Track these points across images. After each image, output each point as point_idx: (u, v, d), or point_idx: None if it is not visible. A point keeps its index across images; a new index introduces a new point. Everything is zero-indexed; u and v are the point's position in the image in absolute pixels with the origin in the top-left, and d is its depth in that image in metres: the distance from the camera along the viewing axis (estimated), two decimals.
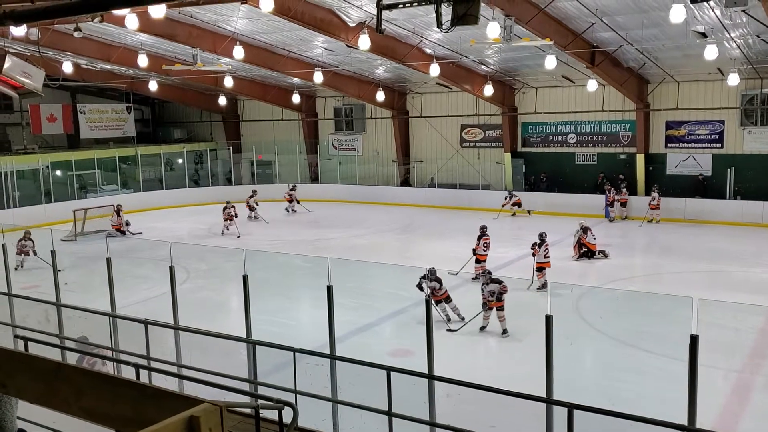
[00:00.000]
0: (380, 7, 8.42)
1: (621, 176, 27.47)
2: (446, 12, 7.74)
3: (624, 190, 26.75)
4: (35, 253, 19.39)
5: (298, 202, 30.23)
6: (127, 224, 25.62)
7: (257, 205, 28.44)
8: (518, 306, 15.59)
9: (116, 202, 26.92)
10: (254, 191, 29.08)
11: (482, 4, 13.87)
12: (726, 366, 11.67)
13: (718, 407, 10.06)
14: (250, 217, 28.20)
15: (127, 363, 8.40)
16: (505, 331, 13.26)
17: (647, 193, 26.95)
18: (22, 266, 19.10)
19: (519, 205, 27.78)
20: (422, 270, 13.58)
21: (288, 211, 30.09)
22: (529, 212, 27.44)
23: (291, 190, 30.77)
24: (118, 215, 25.63)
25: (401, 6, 8.54)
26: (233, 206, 25.43)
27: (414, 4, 8.30)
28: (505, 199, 27.83)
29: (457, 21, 7.42)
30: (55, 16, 9.70)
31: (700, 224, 24.73)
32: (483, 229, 17.95)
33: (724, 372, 11.47)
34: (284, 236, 24.82)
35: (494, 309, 13.47)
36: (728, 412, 10.28)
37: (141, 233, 25.42)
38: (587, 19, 19.37)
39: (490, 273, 13.89)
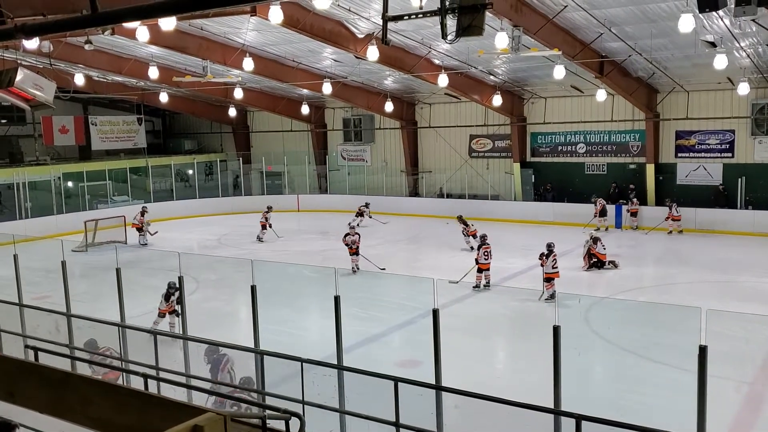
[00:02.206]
0: (386, 19, 8.46)
1: (632, 186, 27.40)
2: (451, 23, 7.77)
3: (635, 200, 26.65)
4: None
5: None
6: (148, 224, 25.97)
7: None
8: (526, 317, 15.58)
9: (126, 213, 27.11)
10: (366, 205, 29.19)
11: (490, 15, 13.94)
12: (737, 377, 11.59)
13: (729, 419, 9.98)
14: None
15: (136, 373, 8.44)
16: None
17: (657, 203, 26.87)
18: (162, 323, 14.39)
19: (370, 215, 29.12)
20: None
21: (260, 240, 26.11)
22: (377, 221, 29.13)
23: (267, 212, 26.68)
24: (141, 215, 25.90)
25: (406, 18, 8.57)
26: (357, 234, 20.58)
27: (419, 16, 8.33)
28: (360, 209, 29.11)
29: (462, 32, 7.43)
30: (66, 29, 9.80)
31: (711, 234, 24.60)
32: (483, 238, 18.03)
33: (736, 383, 11.39)
34: (293, 247, 24.86)
35: None
36: (739, 424, 10.20)
37: (157, 231, 25.99)
38: (596, 29, 19.39)
39: None
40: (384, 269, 19.75)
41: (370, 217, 29.02)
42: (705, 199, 26.03)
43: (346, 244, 20.32)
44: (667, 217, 25.15)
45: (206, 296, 17.70)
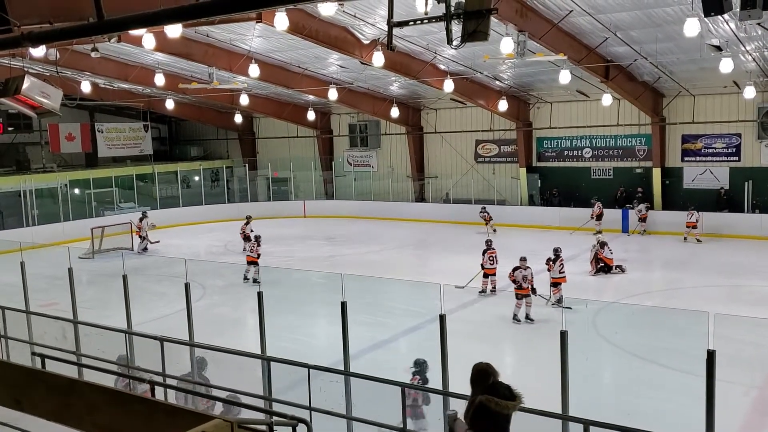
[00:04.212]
0: (391, 25, 8.48)
1: (640, 189, 27.32)
2: (457, 29, 7.78)
3: (641, 205, 26.29)
4: None
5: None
6: (144, 238, 25.87)
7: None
8: (533, 321, 15.52)
9: (133, 220, 27.15)
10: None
11: (495, 20, 13.94)
12: (746, 382, 11.52)
13: (738, 424, 9.92)
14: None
15: (143, 380, 8.44)
16: None
17: (664, 207, 26.77)
18: None
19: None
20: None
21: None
22: None
23: (247, 223, 25.22)
24: (140, 221, 25.87)
25: (411, 23, 8.58)
26: (530, 268, 15.60)
27: (424, 22, 8.34)
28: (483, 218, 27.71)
29: (467, 38, 7.44)
30: (72, 36, 9.84)
31: (718, 238, 24.47)
32: (488, 243, 18.05)
33: (745, 388, 11.32)
34: (299, 253, 24.86)
35: None
36: (748, 429, 10.14)
37: (158, 241, 25.87)
38: (601, 33, 19.37)
39: None
40: (569, 308, 14.89)
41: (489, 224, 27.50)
42: (712, 203, 25.88)
43: (514, 281, 15.41)
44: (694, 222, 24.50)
45: (213, 302, 17.71)
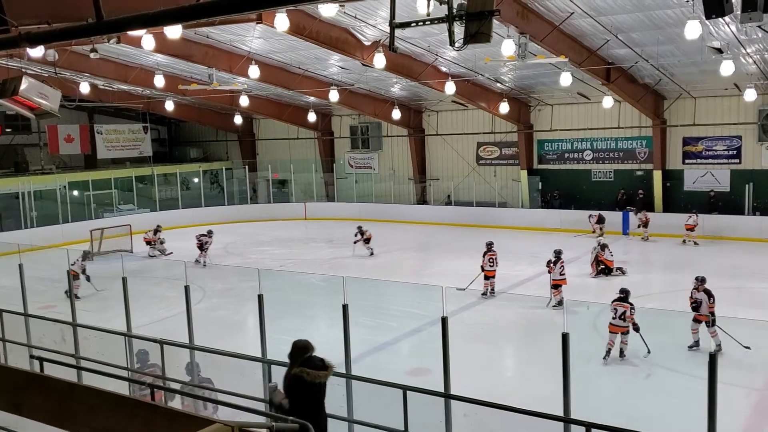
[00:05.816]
0: (393, 26, 8.44)
1: (641, 192, 27.26)
2: (459, 30, 7.74)
3: (641, 212, 26.09)
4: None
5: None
6: (162, 242, 25.68)
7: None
8: (535, 324, 15.50)
9: (132, 221, 27.13)
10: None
11: (496, 22, 13.92)
12: (747, 384, 11.49)
13: (739, 426, 9.89)
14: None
15: (142, 383, 8.41)
16: None
17: (665, 209, 26.73)
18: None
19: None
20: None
21: (198, 262, 23.01)
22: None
23: (206, 235, 23.91)
24: (155, 234, 25.74)
25: (414, 25, 8.54)
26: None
27: (426, 23, 8.30)
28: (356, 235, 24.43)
29: (469, 39, 7.40)
30: (71, 37, 9.81)
31: (719, 240, 24.43)
32: (489, 245, 17.97)
33: (746, 390, 11.28)
34: (300, 255, 24.83)
35: None
36: None
37: (171, 252, 25.66)
38: (602, 36, 19.36)
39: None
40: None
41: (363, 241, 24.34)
42: (707, 206, 25.83)
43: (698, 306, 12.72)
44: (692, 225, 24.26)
45: (213, 305, 17.66)
